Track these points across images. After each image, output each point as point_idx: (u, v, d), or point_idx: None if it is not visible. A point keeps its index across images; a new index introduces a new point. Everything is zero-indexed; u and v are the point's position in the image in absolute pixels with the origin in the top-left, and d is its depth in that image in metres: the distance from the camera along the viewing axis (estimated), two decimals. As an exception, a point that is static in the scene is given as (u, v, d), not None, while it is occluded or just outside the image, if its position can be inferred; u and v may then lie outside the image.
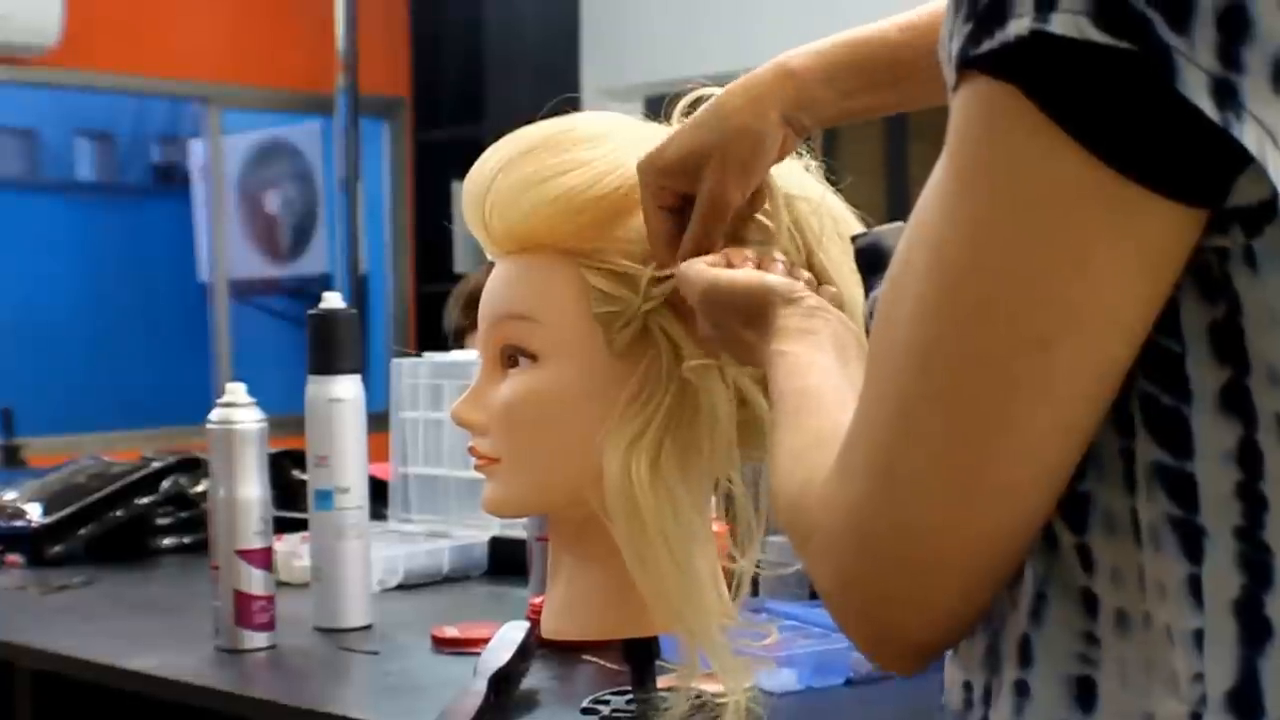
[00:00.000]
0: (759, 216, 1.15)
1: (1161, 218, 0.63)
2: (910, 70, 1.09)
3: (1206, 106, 0.61)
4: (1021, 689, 0.72)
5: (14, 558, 2.14)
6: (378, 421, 1.80)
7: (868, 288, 0.97)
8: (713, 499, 1.23)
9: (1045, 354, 0.65)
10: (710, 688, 1.25)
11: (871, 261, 0.97)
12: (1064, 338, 0.65)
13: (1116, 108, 0.62)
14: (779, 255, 1.10)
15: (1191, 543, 0.66)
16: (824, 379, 0.91)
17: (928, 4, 1.10)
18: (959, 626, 0.72)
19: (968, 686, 0.77)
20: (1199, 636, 0.66)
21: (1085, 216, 0.63)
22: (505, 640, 1.36)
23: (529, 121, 1.21)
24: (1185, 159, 0.63)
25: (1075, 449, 0.67)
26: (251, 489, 1.59)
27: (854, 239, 1.04)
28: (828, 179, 1.22)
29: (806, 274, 1.09)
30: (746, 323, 1.01)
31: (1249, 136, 0.62)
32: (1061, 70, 0.63)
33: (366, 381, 1.68)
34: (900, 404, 0.68)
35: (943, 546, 0.68)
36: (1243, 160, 0.62)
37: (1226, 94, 0.61)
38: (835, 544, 0.71)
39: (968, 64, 0.65)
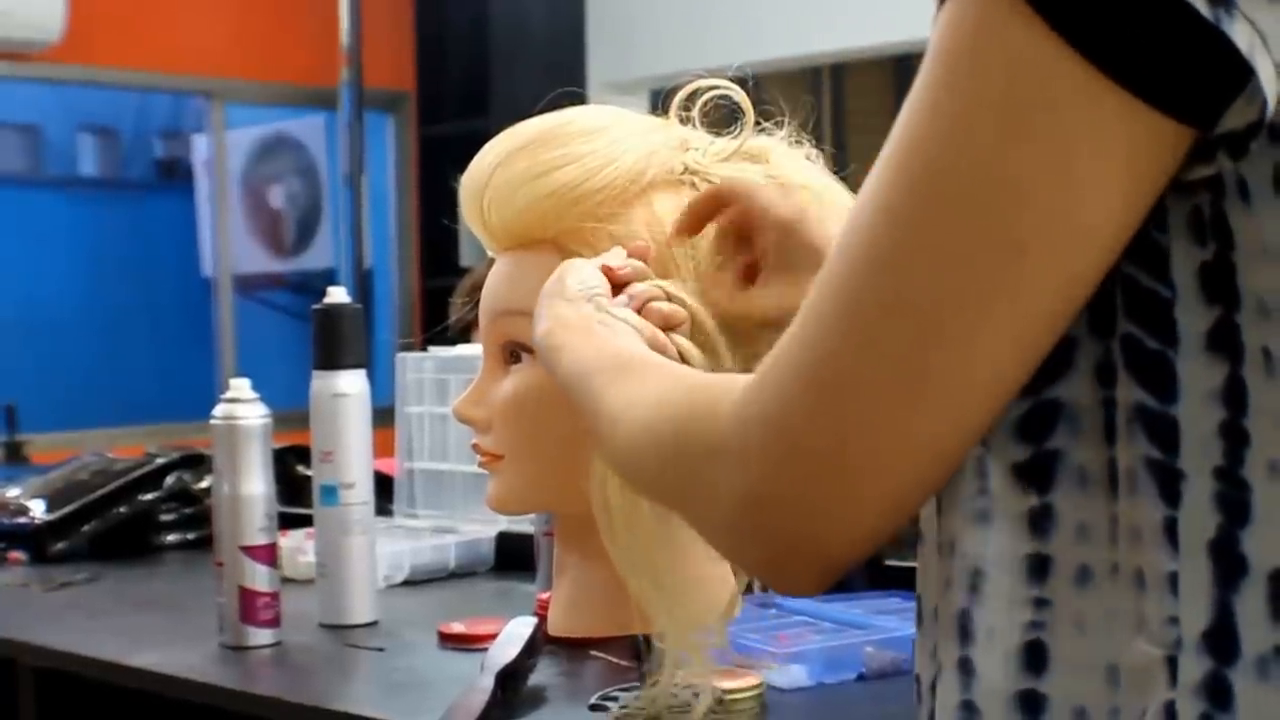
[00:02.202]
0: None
1: (1148, 131, 0.63)
2: None
3: (1199, 3, 0.61)
4: (965, 666, 0.71)
5: (17, 554, 2.13)
6: (383, 416, 1.79)
7: None
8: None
9: (1018, 259, 0.64)
10: (720, 683, 1.24)
11: None
12: (1039, 244, 0.64)
13: (1110, 9, 0.62)
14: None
15: (1169, 486, 0.66)
16: (620, 346, 0.95)
17: None
18: (874, 541, 0.71)
19: (917, 680, 0.77)
20: (1174, 580, 0.66)
21: (1073, 121, 0.63)
22: (512, 636, 1.35)
23: (534, 115, 1.21)
24: (1178, 68, 0.62)
25: (1027, 366, 0.67)
26: (256, 485, 1.58)
27: None
28: (833, 168, 1.21)
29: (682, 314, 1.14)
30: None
31: (1239, 36, 0.61)
32: None
33: (371, 376, 1.67)
34: (855, 309, 0.67)
35: (878, 456, 0.67)
36: (1236, 78, 0.62)
37: None
38: (753, 458, 0.70)
39: None
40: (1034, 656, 0.69)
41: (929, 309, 0.65)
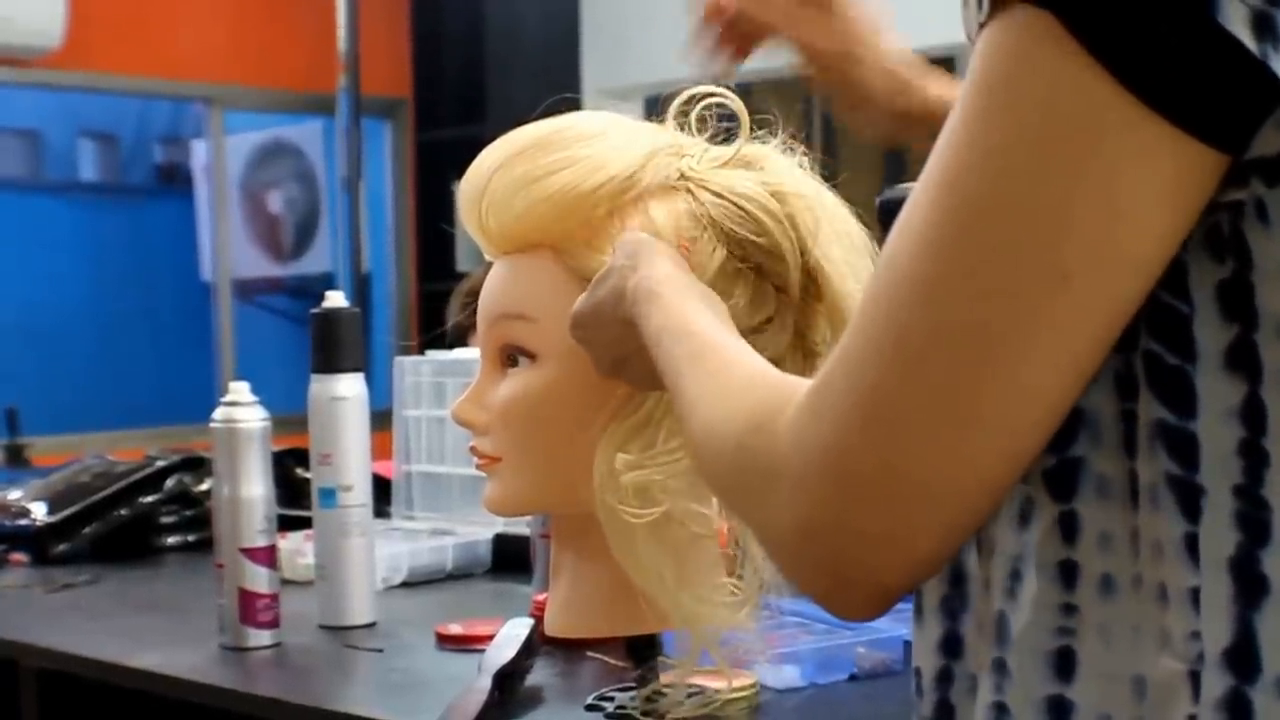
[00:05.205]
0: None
1: (1188, 157, 0.63)
2: None
3: (1245, 37, 0.61)
4: (1000, 667, 0.72)
5: (19, 556, 2.14)
6: (381, 419, 1.80)
7: None
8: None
9: (1065, 288, 0.64)
10: (712, 683, 1.25)
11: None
12: (1085, 272, 0.64)
13: (1151, 39, 0.62)
14: None
15: (1190, 501, 0.66)
16: (705, 322, 0.92)
17: None
18: (930, 568, 0.71)
19: (917, 673, 0.77)
20: (1195, 595, 0.66)
21: (1113, 149, 0.63)
22: (509, 637, 1.36)
23: (530, 121, 1.22)
24: (1216, 96, 0.62)
25: (1074, 391, 0.67)
26: (255, 487, 1.59)
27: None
28: (824, 176, 1.22)
29: None
30: (615, 317, 1.03)
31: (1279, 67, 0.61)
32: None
33: (369, 380, 1.68)
34: (900, 339, 0.66)
35: (930, 487, 0.67)
36: (1271, 101, 0.62)
37: (1266, 26, 0.61)
38: (810, 487, 0.69)
39: None
40: (1063, 662, 0.69)
41: (975, 339, 0.65)
